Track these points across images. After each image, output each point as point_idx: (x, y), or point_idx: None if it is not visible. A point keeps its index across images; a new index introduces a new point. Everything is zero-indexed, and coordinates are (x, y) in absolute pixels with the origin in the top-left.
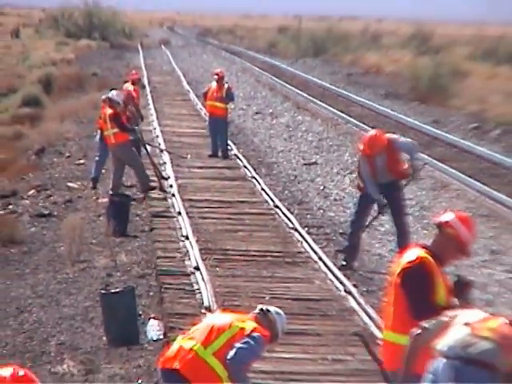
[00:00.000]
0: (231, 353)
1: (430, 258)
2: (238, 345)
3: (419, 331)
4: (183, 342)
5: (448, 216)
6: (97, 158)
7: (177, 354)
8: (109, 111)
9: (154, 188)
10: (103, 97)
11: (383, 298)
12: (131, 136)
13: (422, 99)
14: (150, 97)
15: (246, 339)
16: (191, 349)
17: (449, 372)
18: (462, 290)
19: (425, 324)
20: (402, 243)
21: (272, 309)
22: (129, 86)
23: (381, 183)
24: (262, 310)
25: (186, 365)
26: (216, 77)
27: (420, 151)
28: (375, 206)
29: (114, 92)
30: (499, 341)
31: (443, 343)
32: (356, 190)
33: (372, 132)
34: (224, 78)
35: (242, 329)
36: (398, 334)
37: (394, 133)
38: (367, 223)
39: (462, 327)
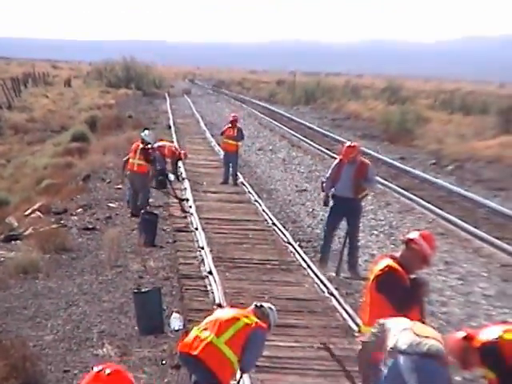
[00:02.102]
0: (245, 359)
1: (397, 266)
2: (251, 340)
3: (360, 347)
4: (199, 332)
5: (413, 234)
6: (128, 186)
7: (194, 342)
8: (141, 145)
9: (137, 216)
10: (141, 134)
11: (360, 298)
12: (156, 166)
13: (391, 140)
14: (174, 135)
15: (256, 335)
16: (207, 338)
17: (410, 364)
18: (418, 290)
19: (364, 339)
20: (353, 256)
21: (265, 304)
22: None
23: (343, 197)
24: (256, 305)
25: (203, 351)
26: (231, 119)
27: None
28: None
29: (146, 132)
30: (438, 338)
31: (399, 343)
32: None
33: (353, 143)
34: (238, 121)
35: (248, 324)
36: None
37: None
38: (342, 246)
39: (405, 331)
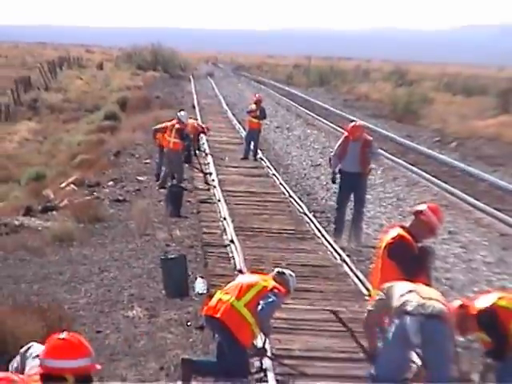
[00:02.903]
0: (260, 307)
1: (407, 235)
2: (264, 301)
3: (366, 315)
4: (221, 295)
5: (422, 207)
6: (157, 161)
7: (217, 305)
8: (176, 125)
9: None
10: (177, 114)
11: (369, 265)
12: (185, 143)
13: (398, 119)
14: (198, 114)
15: (270, 297)
16: (228, 301)
17: (415, 325)
18: (425, 257)
19: (369, 307)
20: (358, 226)
21: (286, 271)
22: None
23: (350, 172)
24: (278, 271)
25: (224, 314)
26: (255, 99)
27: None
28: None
29: (182, 112)
30: (441, 299)
31: (405, 305)
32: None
33: (358, 122)
34: (261, 101)
35: (265, 286)
36: None
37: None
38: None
39: (410, 293)
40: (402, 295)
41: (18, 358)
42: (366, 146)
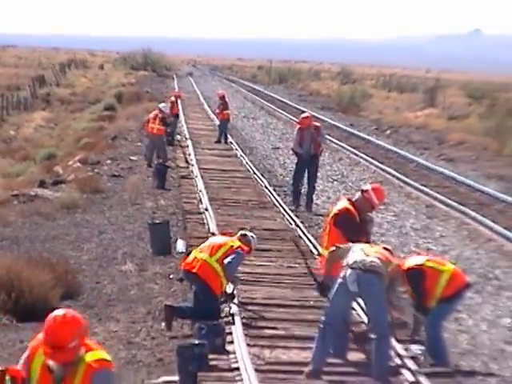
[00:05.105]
0: (227, 260)
1: (351, 207)
2: (230, 256)
3: (333, 249)
4: (197, 253)
5: (367, 186)
6: (146, 143)
7: (193, 261)
8: (159, 115)
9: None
10: (158, 106)
11: (319, 230)
12: (167, 129)
13: (343, 111)
14: (180, 106)
15: (236, 254)
16: (202, 258)
17: (353, 277)
18: (366, 226)
19: (338, 245)
20: (310, 198)
21: (249, 233)
22: (172, 98)
23: (306, 154)
24: (243, 234)
25: (199, 268)
26: (220, 96)
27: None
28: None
29: (163, 104)
30: (382, 257)
31: (349, 259)
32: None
33: (306, 113)
34: (225, 96)
35: (232, 246)
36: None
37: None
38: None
39: (358, 250)
40: (353, 251)
41: None
42: (316, 131)
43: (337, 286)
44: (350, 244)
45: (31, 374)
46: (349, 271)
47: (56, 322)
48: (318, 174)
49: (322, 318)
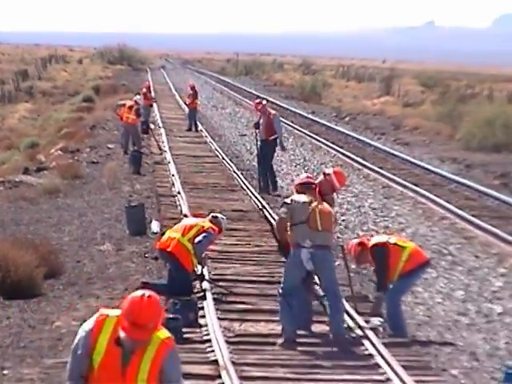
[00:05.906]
0: (197, 240)
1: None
2: (201, 236)
3: (279, 218)
4: (170, 233)
5: (329, 170)
6: (122, 132)
7: (167, 241)
8: (135, 106)
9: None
10: (134, 98)
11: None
12: (141, 119)
13: (305, 99)
14: (154, 96)
15: (205, 233)
16: (175, 238)
17: (307, 255)
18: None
19: (282, 214)
20: (271, 180)
21: (219, 215)
22: (144, 89)
23: (261, 139)
24: (213, 215)
25: (173, 248)
26: (190, 87)
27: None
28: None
29: (137, 96)
30: (329, 230)
31: (300, 239)
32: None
33: (258, 100)
34: (194, 86)
35: (203, 226)
36: None
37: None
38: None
39: (303, 224)
40: (300, 221)
41: None
42: (270, 118)
43: (289, 261)
44: (296, 208)
45: (97, 346)
46: (302, 250)
47: (143, 301)
48: (282, 159)
49: (280, 290)
